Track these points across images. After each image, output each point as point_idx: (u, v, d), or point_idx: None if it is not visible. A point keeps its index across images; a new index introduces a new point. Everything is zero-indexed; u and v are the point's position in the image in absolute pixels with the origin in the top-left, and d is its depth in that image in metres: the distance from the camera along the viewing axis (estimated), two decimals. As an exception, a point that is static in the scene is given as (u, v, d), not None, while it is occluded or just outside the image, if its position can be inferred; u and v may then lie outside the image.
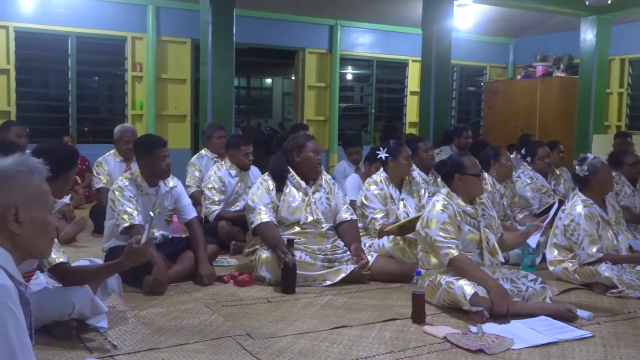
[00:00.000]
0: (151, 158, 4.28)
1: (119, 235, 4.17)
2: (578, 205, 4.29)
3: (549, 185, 6.03)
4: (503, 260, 3.96)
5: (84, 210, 6.71)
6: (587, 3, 7.80)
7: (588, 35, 9.22)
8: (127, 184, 4.26)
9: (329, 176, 4.70)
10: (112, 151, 6.23)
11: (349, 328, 3.36)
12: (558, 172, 6.37)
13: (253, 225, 4.33)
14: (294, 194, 4.42)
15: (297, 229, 4.36)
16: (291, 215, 4.37)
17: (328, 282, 4.19)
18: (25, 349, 1.71)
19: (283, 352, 3.00)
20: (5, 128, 6.14)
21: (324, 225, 4.43)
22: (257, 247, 4.38)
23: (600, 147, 8.32)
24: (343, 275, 4.21)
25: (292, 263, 4.01)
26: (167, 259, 4.23)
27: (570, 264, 4.30)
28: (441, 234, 3.67)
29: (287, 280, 4.04)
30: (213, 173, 5.53)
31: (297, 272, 4.09)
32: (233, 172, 5.57)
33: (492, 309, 3.44)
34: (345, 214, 4.54)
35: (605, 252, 4.20)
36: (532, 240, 4.05)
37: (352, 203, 4.95)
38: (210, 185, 5.45)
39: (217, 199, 5.41)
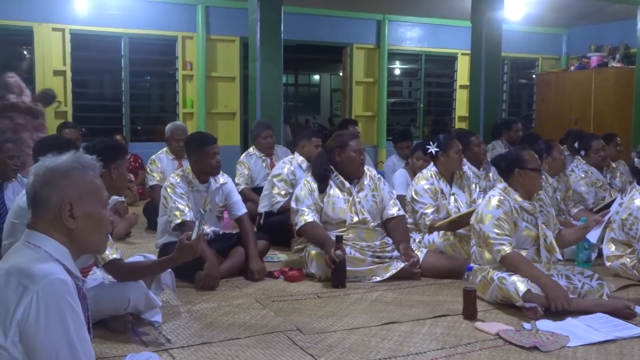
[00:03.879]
0: (201, 155, 4.34)
1: (172, 231, 4.25)
2: (637, 199, 4.17)
3: (604, 179, 5.87)
4: (561, 257, 3.87)
5: (138, 207, 6.85)
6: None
7: (646, 23, 8.93)
8: (178, 181, 4.33)
9: (374, 172, 4.65)
10: (165, 149, 6.36)
11: (399, 324, 3.34)
12: (614, 165, 6.19)
13: (297, 227, 4.33)
14: (337, 194, 4.40)
15: (344, 227, 4.36)
16: (336, 216, 4.36)
17: (378, 279, 4.17)
18: (84, 342, 1.76)
19: (333, 347, 3.00)
20: (60, 130, 6.37)
21: (371, 224, 4.41)
22: (306, 244, 4.40)
23: (660, 139, 8.05)
24: (393, 271, 4.18)
25: (341, 258, 4.01)
26: (218, 254, 4.29)
27: (628, 260, 4.18)
28: (495, 230, 3.61)
29: (337, 275, 4.05)
30: (285, 166, 5.49)
31: (347, 268, 4.09)
32: (304, 166, 5.52)
33: (550, 306, 3.36)
34: (393, 210, 4.49)
35: (666, 247, 4.07)
36: (593, 236, 3.95)
37: (401, 198, 4.92)
38: (282, 177, 5.41)
39: (284, 192, 5.36)
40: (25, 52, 6.99)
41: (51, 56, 8.21)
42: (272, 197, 5.41)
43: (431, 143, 4.76)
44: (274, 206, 5.39)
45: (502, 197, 3.72)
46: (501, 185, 3.82)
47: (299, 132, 5.81)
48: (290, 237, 5.04)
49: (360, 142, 4.54)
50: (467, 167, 5.23)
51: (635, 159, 4.24)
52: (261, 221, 5.44)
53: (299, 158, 5.61)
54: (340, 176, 4.44)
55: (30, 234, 1.83)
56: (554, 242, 3.78)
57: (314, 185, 4.41)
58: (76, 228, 1.84)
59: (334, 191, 4.40)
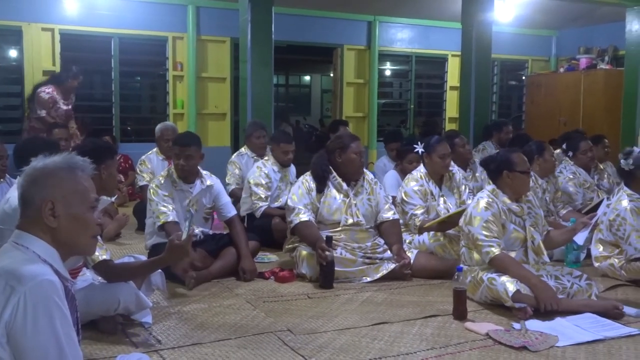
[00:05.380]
0: (175, 154, 4.38)
1: (158, 232, 4.25)
2: (624, 200, 4.20)
3: (592, 180, 5.91)
4: (548, 259, 3.89)
5: (128, 208, 6.83)
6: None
7: (634, 25, 8.96)
8: (162, 181, 4.36)
9: (371, 175, 4.67)
10: (155, 149, 6.33)
11: (389, 324, 3.35)
12: (602, 167, 6.24)
13: (292, 225, 4.34)
14: (334, 195, 4.41)
15: (338, 228, 4.37)
16: (331, 217, 4.37)
17: (368, 279, 4.18)
18: (72, 343, 1.75)
19: (324, 347, 3.01)
20: (50, 130, 6.36)
21: (364, 227, 4.42)
22: (297, 244, 4.40)
23: (648, 141, 8.10)
24: (384, 272, 4.20)
25: (330, 259, 4.01)
26: (209, 255, 4.29)
27: (616, 260, 4.21)
28: (483, 232, 3.62)
29: (325, 276, 4.05)
30: (259, 169, 5.49)
31: (338, 268, 4.10)
32: (276, 168, 5.56)
33: (539, 306, 3.38)
34: (387, 213, 4.50)
35: (653, 248, 4.09)
36: (580, 238, 3.97)
37: (391, 199, 4.93)
38: (257, 182, 5.41)
39: (263, 196, 5.38)
40: (76, 69, 7.52)
41: (40, 56, 8.15)
42: (253, 204, 5.39)
43: (419, 143, 4.78)
44: (256, 212, 5.38)
45: (490, 199, 3.73)
46: (489, 187, 3.84)
47: (275, 134, 5.77)
48: (274, 238, 5.05)
49: (361, 145, 4.54)
50: (457, 169, 5.25)
51: (622, 161, 4.28)
52: (245, 224, 5.41)
53: (271, 160, 5.59)
54: (338, 177, 4.45)
55: (19, 234, 1.83)
56: (541, 244, 3.80)
57: (312, 185, 4.41)
58: (58, 228, 1.84)
59: (331, 192, 4.41)
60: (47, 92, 7.15)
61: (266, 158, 5.69)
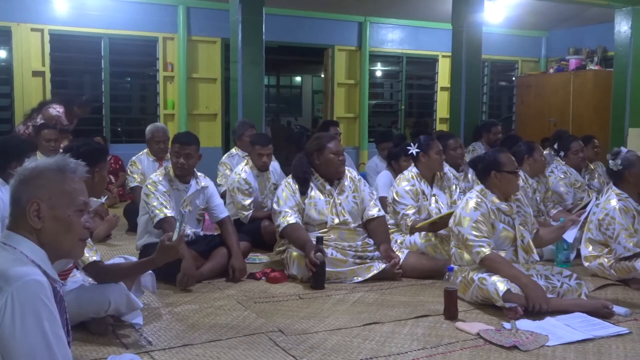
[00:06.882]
0: (174, 152, 4.39)
1: (153, 229, 4.24)
2: (612, 199, 4.22)
3: (583, 180, 5.95)
4: (538, 258, 3.91)
5: (118, 209, 6.81)
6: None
7: (623, 27, 9.03)
8: (160, 178, 4.35)
9: (354, 173, 4.66)
10: (145, 150, 6.31)
11: (381, 324, 3.35)
12: (592, 167, 6.27)
13: (280, 229, 4.32)
14: (319, 196, 4.40)
15: (325, 228, 4.36)
16: (318, 218, 4.36)
17: (359, 279, 4.18)
18: (61, 342, 1.74)
19: (315, 348, 3.01)
20: (38, 131, 6.32)
21: (352, 225, 4.42)
22: (287, 246, 4.39)
23: (636, 141, 8.15)
24: (375, 271, 4.20)
25: (321, 260, 4.01)
26: (200, 255, 4.28)
27: (606, 260, 4.23)
28: (473, 232, 3.64)
29: (317, 276, 4.05)
30: (237, 177, 5.35)
31: (329, 269, 4.10)
32: (255, 173, 5.43)
33: (528, 306, 3.40)
34: (373, 210, 4.50)
35: (642, 247, 4.12)
36: (569, 235, 3.99)
37: (384, 200, 4.93)
38: (237, 189, 5.30)
39: (247, 204, 5.28)
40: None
41: (30, 57, 8.12)
42: (239, 212, 5.30)
43: (411, 144, 4.79)
44: (243, 219, 5.29)
45: (479, 199, 3.75)
46: (478, 187, 3.85)
47: (253, 138, 5.59)
48: (264, 240, 5.03)
49: (338, 144, 4.53)
50: (448, 169, 5.26)
51: (610, 161, 4.31)
52: None
53: (250, 164, 5.44)
54: (320, 178, 4.45)
55: (8, 235, 1.82)
56: (531, 242, 3.82)
57: (295, 187, 4.41)
58: (42, 229, 1.83)
59: (315, 193, 4.41)
60: (58, 110, 7.25)
61: (245, 162, 5.55)
